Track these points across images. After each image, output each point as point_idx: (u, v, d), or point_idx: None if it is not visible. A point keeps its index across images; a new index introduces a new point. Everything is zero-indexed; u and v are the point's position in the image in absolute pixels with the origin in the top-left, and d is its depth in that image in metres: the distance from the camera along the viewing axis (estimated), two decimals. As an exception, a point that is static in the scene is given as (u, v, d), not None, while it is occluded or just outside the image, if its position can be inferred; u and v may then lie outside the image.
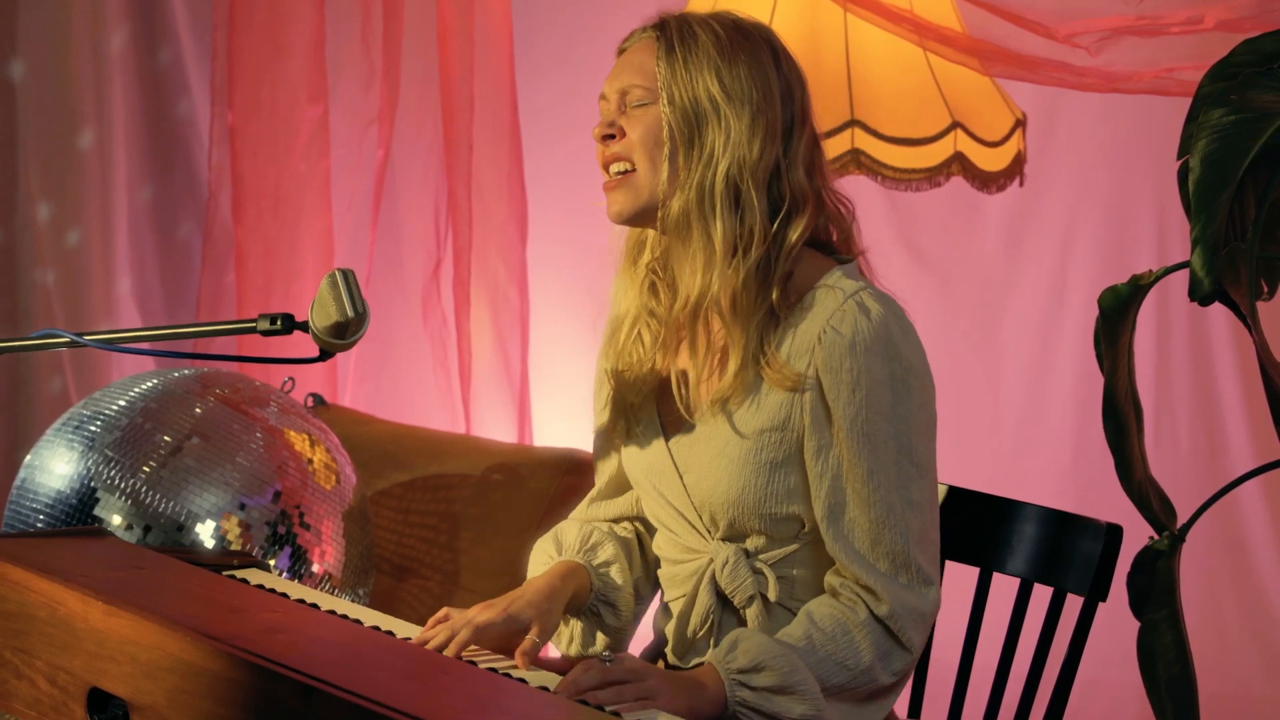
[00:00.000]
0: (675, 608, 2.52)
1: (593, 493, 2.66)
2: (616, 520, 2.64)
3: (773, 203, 2.42)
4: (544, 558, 2.58)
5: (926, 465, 2.39)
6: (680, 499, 2.48)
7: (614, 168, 2.45)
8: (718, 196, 2.40)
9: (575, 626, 2.57)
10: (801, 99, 2.47)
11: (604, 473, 2.63)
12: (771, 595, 2.43)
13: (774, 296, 2.41)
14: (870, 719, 2.39)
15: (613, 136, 2.44)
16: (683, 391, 2.48)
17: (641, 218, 2.46)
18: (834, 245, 2.50)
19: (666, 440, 2.49)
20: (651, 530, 2.61)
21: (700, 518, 2.47)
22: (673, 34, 2.44)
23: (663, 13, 2.48)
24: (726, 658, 2.34)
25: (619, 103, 2.45)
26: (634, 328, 2.53)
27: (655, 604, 2.64)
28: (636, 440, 2.53)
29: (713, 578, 2.45)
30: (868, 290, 2.41)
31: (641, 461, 2.52)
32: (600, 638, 2.56)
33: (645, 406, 2.53)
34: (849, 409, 2.36)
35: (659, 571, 2.56)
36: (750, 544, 2.45)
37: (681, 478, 2.47)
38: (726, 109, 2.40)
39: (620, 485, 2.62)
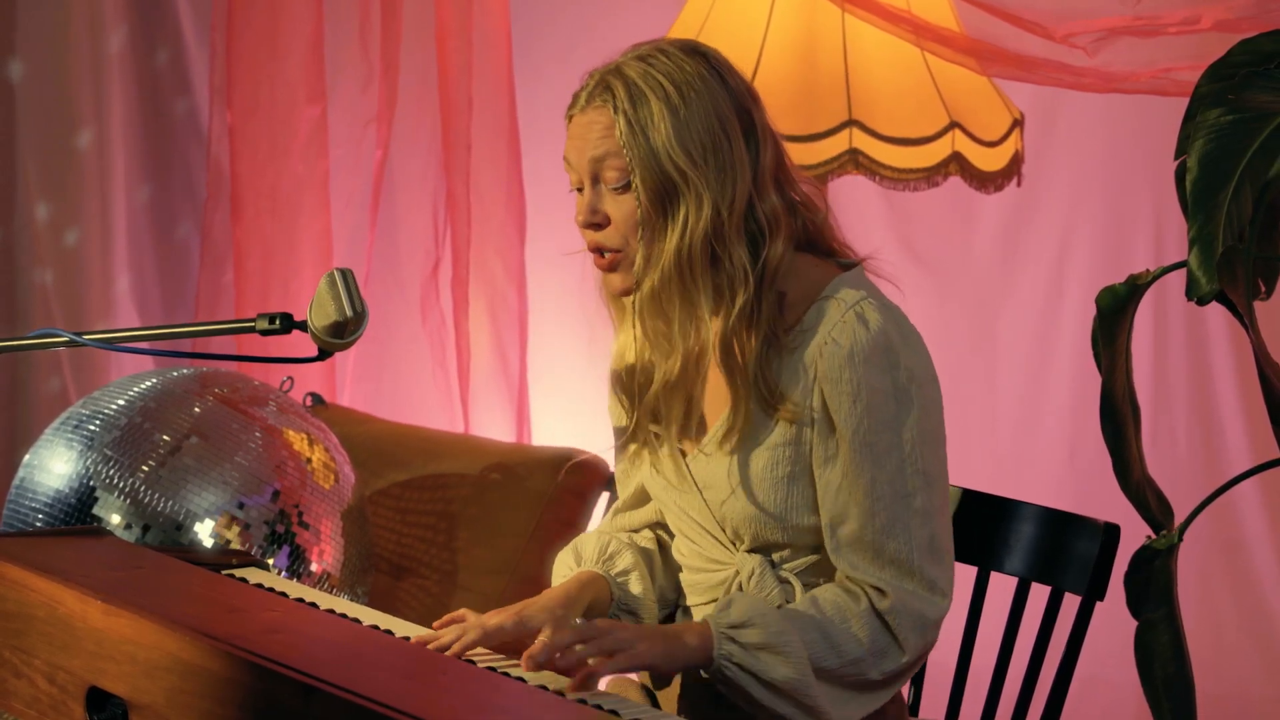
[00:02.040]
0: (698, 615, 2.51)
1: (617, 504, 2.65)
2: (640, 529, 2.63)
3: (750, 237, 2.38)
4: (564, 569, 2.56)
5: (934, 474, 2.37)
6: (703, 514, 2.47)
7: (603, 250, 2.40)
8: (696, 262, 2.35)
9: None
10: (755, 112, 2.40)
11: (627, 485, 2.62)
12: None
13: (764, 332, 2.37)
14: (859, 706, 2.37)
15: (599, 225, 2.39)
16: (692, 420, 2.46)
17: None
18: (820, 242, 2.45)
19: (685, 456, 2.48)
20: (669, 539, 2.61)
21: (724, 531, 2.46)
22: (624, 103, 2.35)
23: (601, 73, 2.39)
24: (720, 614, 2.34)
25: (592, 180, 2.38)
26: (643, 351, 2.49)
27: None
28: (655, 455, 2.51)
29: (740, 590, 2.45)
30: (869, 300, 2.37)
31: (661, 477, 2.51)
32: None
33: (662, 421, 2.51)
34: (850, 420, 2.34)
35: (680, 576, 2.55)
36: (775, 555, 2.45)
37: (702, 494, 2.46)
38: (692, 173, 2.34)
39: (644, 496, 2.61)
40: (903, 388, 2.35)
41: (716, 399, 2.45)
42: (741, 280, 2.36)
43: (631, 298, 2.44)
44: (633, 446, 2.54)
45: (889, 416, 2.34)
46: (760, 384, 2.38)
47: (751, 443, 2.40)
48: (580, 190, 2.41)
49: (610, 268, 2.41)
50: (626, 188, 2.36)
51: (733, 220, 2.36)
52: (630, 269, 2.39)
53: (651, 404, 2.46)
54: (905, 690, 2.79)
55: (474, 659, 2.33)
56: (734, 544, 2.46)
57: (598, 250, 2.41)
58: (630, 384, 2.51)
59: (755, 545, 2.44)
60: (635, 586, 2.52)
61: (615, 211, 2.38)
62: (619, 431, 2.57)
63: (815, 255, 2.45)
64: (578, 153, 2.39)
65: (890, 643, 2.35)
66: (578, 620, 2.29)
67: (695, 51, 2.39)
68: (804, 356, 2.37)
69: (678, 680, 2.48)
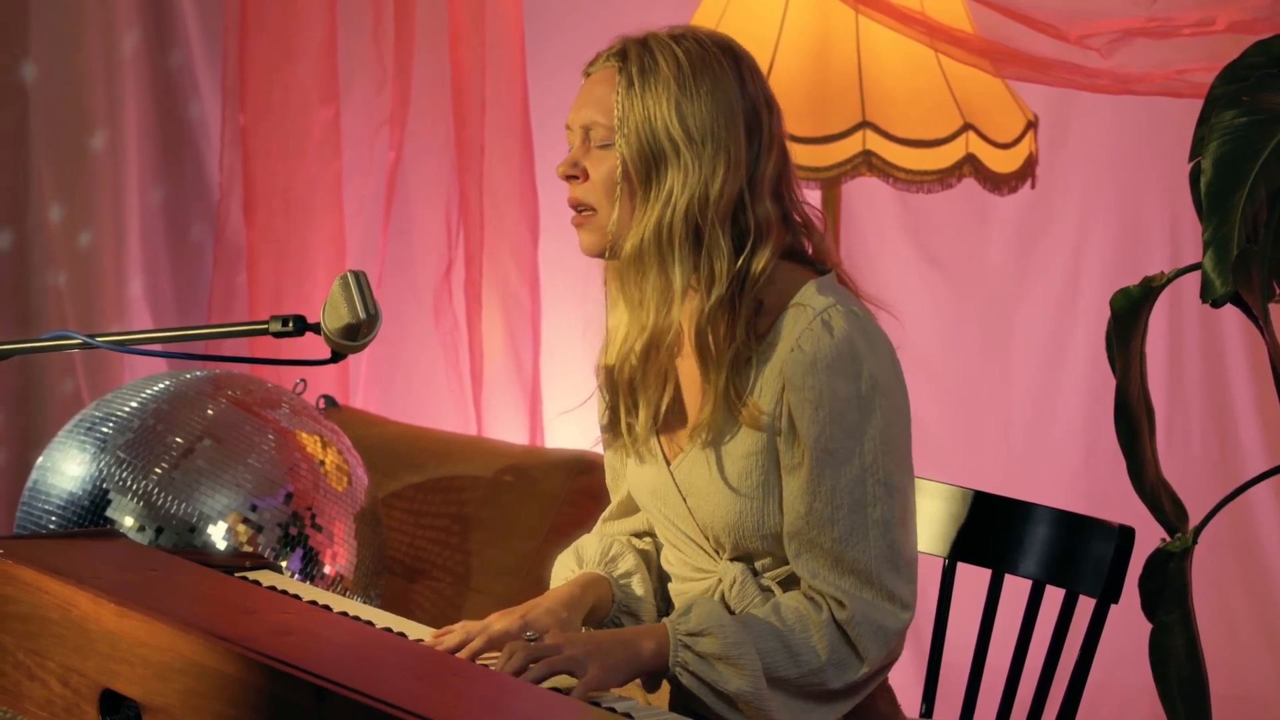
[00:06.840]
0: None
1: (606, 512, 2.65)
2: (631, 535, 2.63)
3: (737, 235, 2.38)
4: (565, 571, 2.56)
5: (896, 485, 2.36)
6: (686, 522, 2.47)
7: (577, 207, 2.44)
8: (676, 236, 2.36)
9: None
10: (769, 120, 2.41)
11: (616, 493, 2.63)
12: None
13: (740, 336, 2.37)
14: (820, 717, 2.36)
15: (576, 178, 2.43)
16: (670, 418, 2.46)
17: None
18: (809, 256, 2.46)
19: (668, 464, 2.48)
20: (659, 545, 2.61)
21: (707, 539, 2.46)
22: (632, 66, 2.38)
23: (625, 38, 2.43)
24: (679, 619, 2.34)
25: (583, 138, 2.43)
26: (626, 343, 2.51)
27: None
28: (639, 462, 2.51)
29: (722, 598, 2.44)
30: (836, 307, 2.37)
31: (645, 484, 2.51)
32: None
33: (644, 428, 2.51)
34: (813, 427, 2.34)
35: (669, 586, 2.55)
36: (758, 563, 2.44)
37: (685, 501, 2.46)
38: (686, 148, 2.36)
39: (631, 505, 2.61)
40: (866, 396, 2.34)
41: (693, 393, 2.45)
42: (725, 273, 2.37)
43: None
44: (617, 450, 2.54)
45: (851, 425, 2.33)
46: (730, 382, 2.38)
47: (727, 450, 2.40)
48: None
49: (579, 224, 2.44)
50: (610, 145, 2.39)
51: (720, 207, 2.36)
52: (599, 230, 2.41)
53: (627, 384, 2.46)
54: (918, 692, 2.79)
55: (486, 661, 2.33)
56: (717, 552, 2.46)
57: (573, 206, 2.44)
58: (612, 375, 2.50)
59: (737, 554, 2.44)
60: (638, 589, 2.52)
61: (595, 169, 2.41)
62: (603, 426, 2.57)
63: (794, 262, 2.45)
64: (576, 109, 2.44)
65: (850, 654, 2.35)
66: (528, 635, 2.29)
67: (726, 47, 2.42)
68: (774, 364, 2.37)
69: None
